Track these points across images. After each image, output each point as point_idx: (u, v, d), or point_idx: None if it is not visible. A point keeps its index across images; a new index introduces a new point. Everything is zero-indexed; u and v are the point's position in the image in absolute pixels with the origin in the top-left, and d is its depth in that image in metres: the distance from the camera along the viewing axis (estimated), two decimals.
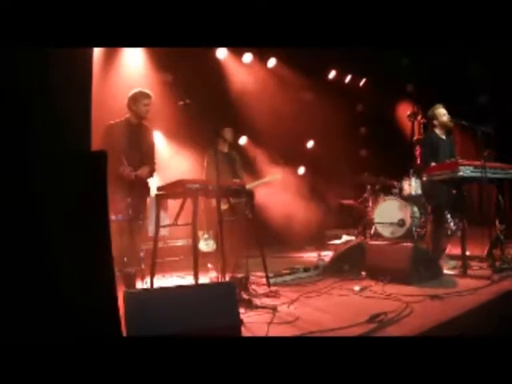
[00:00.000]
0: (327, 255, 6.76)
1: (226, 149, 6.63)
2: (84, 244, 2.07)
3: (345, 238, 8.23)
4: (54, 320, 1.94)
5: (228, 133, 6.59)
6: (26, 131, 2.00)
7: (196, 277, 4.35)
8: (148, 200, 5.29)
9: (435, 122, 6.23)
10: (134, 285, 4.46)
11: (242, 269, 5.69)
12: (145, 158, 4.92)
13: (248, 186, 6.05)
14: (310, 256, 7.59)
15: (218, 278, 4.96)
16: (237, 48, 8.74)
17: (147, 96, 4.94)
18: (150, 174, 5.05)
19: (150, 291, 3.46)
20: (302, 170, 10.69)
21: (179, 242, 7.46)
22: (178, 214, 4.92)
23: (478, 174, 5.23)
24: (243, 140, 9.54)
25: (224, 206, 5.75)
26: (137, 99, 4.90)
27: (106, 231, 2.17)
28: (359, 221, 8.87)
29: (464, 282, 4.81)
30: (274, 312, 3.89)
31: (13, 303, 1.89)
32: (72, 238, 2.04)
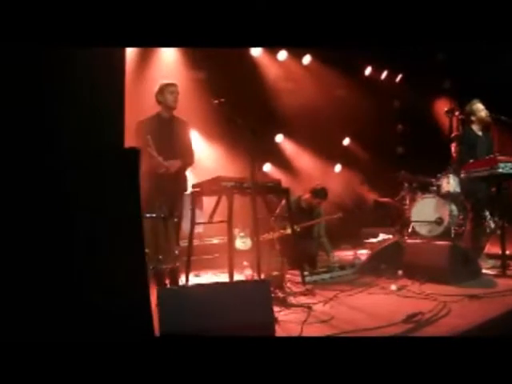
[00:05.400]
0: (364, 253, 6.69)
1: None
2: (117, 242, 2.09)
3: (382, 236, 8.12)
4: (85, 319, 1.97)
5: None
6: (60, 128, 2.03)
7: (231, 274, 4.36)
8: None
9: (472, 118, 6.10)
10: (174, 281, 4.48)
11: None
12: (178, 151, 4.86)
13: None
14: (347, 254, 7.52)
15: (253, 276, 4.97)
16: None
17: (171, 84, 4.95)
18: (183, 168, 4.96)
19: (184, 288, 3.49)
20: (338, 168, 10.60)
21: (215, 240, 7.46)
22: (214, 212, 4.94)
23: None
24: (279, 138, 9.51)
25: None
26: (162, 90, 4.92)
27: (138, 228, 2.18)
28: (396, 219, 8.75)
29: (503, 282, 4.71)
30: (309, 311, 3.87)
31: (45, 302, 1.91)
32: (104, 236, 2.06)
